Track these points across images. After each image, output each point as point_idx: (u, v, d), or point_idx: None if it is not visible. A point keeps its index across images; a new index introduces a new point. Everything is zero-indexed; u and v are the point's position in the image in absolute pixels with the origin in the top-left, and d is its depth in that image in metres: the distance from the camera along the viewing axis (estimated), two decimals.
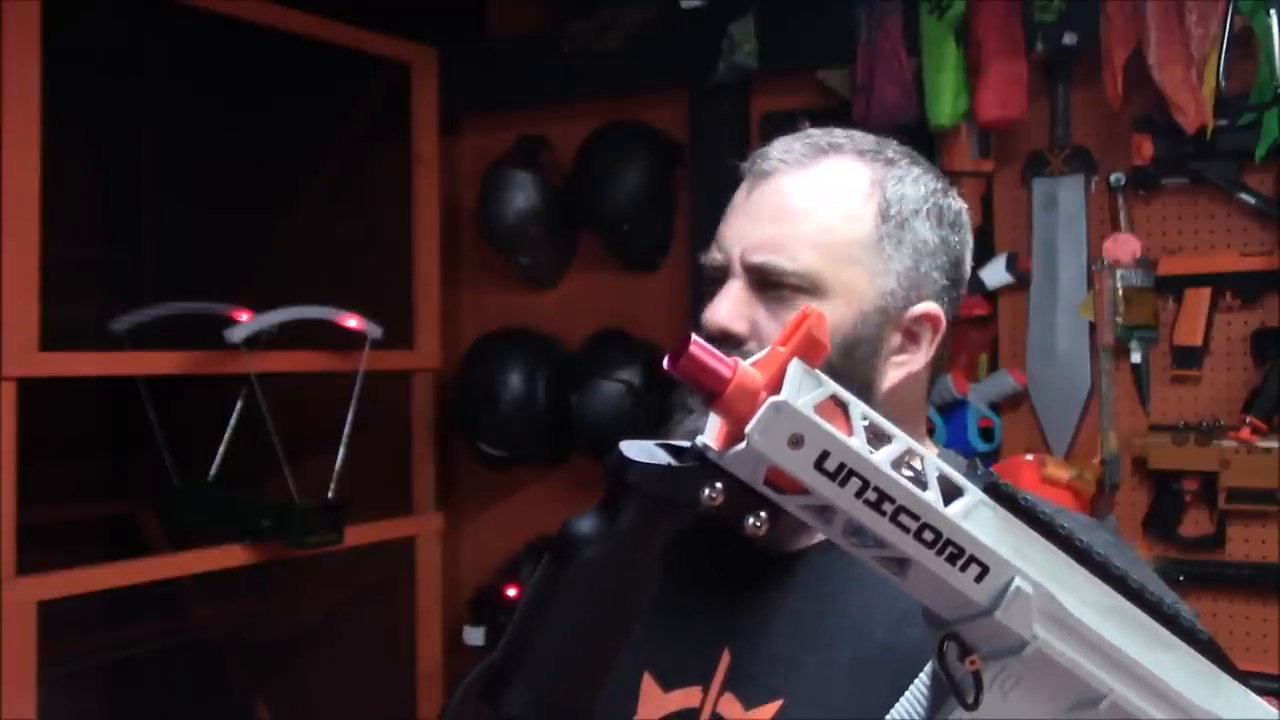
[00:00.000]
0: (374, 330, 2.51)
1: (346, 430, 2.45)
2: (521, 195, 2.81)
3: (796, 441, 0.54)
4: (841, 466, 0.54)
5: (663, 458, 0.59)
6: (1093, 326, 2.29)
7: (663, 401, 3.10)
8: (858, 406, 0.56)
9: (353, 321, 2.48)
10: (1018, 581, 0.56)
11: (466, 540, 3.07)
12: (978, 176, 2.40)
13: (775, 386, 0.55)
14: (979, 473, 0.58)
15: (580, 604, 0.64)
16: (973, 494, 0.57)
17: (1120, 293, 2.24)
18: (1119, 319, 2.25)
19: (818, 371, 0.56)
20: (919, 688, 0.64)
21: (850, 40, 2.42)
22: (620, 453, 0.60)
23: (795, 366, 0.55)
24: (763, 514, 0.58)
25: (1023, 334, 2.38)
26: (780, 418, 0.54)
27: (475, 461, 2.97)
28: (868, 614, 0.91)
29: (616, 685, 0.99)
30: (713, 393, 0.56)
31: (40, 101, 2.09)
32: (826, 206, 0.95)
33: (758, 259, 0.95)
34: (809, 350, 0.56)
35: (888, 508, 0.55)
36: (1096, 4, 2.17)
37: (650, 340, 2.78)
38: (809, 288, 0.94)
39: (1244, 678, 0.62)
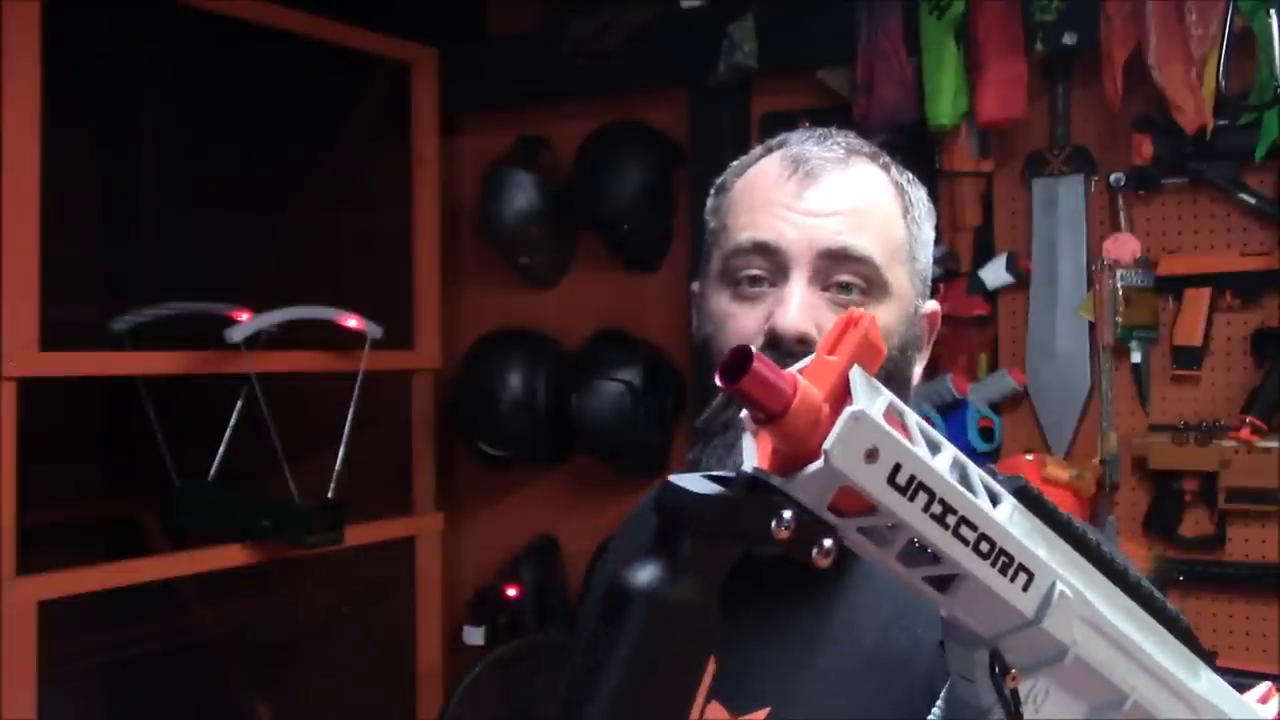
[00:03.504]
0: (374, 330, 2.51)
1: (346, 430, 2.45)
2: (521, 195, 2.81)
3: (872, 455, 0.50)
4: (912, 479, 0.51)
5: (721, 489, 0.54)
6: (1093, 326, 2.29)
7: (662, 402, 3.08)
8: (912, 414, 0.53)
9: (353, 321, 2.48)
10: (1059, 586, 0.54)
11: (466, 540, 3.07)
12: (978, 176, 2.40)
13: (833, 400, 0.52)
14: (999, 476, 0.56)
15: (645, 667, 0.55)
16: (1009, 499, 0.55)
17: (1120, 293, 2.24)
18: (1119, 319, 2.25)
19: (874, 379, 0.53)
20: (935, 713, 0.63)
21: (850, 40, 2.42)
22: (674, 486, 0.54)
23: (858, 374, 0.52)
24: (828, 542, 0.53)
25: (1023, 334, 2.38)
26: (859, 430, 0.50)
27: (475, 461, 2.97)
28: (854, 619, 0.91)
29: None
30: (774, 413, 0.51)
31: (40, 101, 2.09)
32: (876, 209, 0.95)
33: (839, 241, 0.92)
34: (866, 356, 0.52)
35: (951, 520, 0.52)
36: (1096, 4, 2.17)
37: (650, 340, 2.78)
38: (878, 283, 0.93)
39: (1212, 662, 0.62)
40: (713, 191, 1.02)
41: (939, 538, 0.52)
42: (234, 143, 2.78)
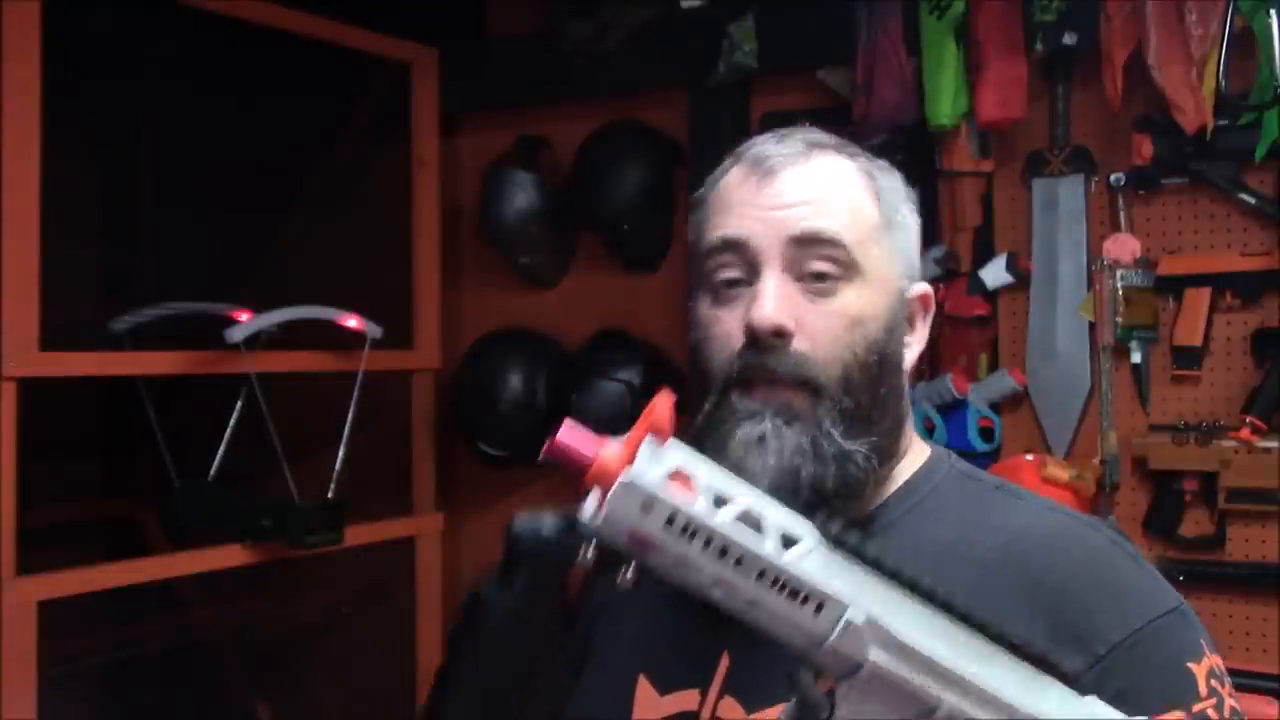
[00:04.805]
0: (374, 330, 2.51)
1: (346, 430, 2.45)
2: (521, 195, 2.81)
3: (647, 508, 0.64)
4: (686, 525, 0.65)
5: (551, 526, 0.73)
6: (1093, 326, 2.29)
7: None
8: (703, 474, 0.66)
9: (353, 321, 2.48)
10: (849, 613, 0.65)
11: (466, 540, 3.06)
12: (978, 176, 2.40)
13: (632, 461, 0.66)
14: (819, 520, 0.67)
15: (490, 659, 0.81)
16: (809, 540, 0.66)
17: (1120, 293, 2.24)
18: (1119, 319, 2.25)
19: (670, 444, 0.66)
20: (790, 709, 0.71)
21: (850, 40, 2.42)
22: (513, 527, 0.74)
23: (645, 445, 0.66)
24: (631, 569, 0.68)
25: (1023, 334, 2.38)
26: (630, 490, 0.65)
27: (475, 461, 2.97)
28: None
29: (611, 688, 0.99)
30: (580, 471, 0.67)
31: (40, 101, 2.09)
32: (841, 194, 0.96)
33: (804, 226, 0.93)
34: (657, 430, 0.66)
35: (730, 557, 0.65)
36: (1096, 4, 2.17)
37: (650, 340, 2.78)
38: (851, 266, 0.93)
39: (1076, 685, 0.70)
40: (692, 208, 1.03)
41: (722, 570, 0.65)
42: (234, 143, 2.78)
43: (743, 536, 0.65)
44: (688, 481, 0.66)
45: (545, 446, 0.67)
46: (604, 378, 2.69)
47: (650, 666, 0.98)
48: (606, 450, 0.67)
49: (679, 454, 0.67)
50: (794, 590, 0.65)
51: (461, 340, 2.97)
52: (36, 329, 2.08)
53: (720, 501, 0.66)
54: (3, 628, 2.03)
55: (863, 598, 0.66)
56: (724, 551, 0.65)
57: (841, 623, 0.65)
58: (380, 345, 2.55)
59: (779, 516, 0.67)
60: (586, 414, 2.68)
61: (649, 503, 0.65)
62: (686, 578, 0.67)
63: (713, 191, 1.00)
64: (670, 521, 0.65)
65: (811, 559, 0.66)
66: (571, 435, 0.68)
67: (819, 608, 0.65)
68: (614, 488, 0.65)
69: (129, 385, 2.42)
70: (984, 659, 0.68)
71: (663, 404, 0.67)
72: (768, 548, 0.65)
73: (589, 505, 0.68)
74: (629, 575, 0.69)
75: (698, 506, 0.65)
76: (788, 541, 0.66)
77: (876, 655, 0.66)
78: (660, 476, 0.65)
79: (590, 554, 0.69)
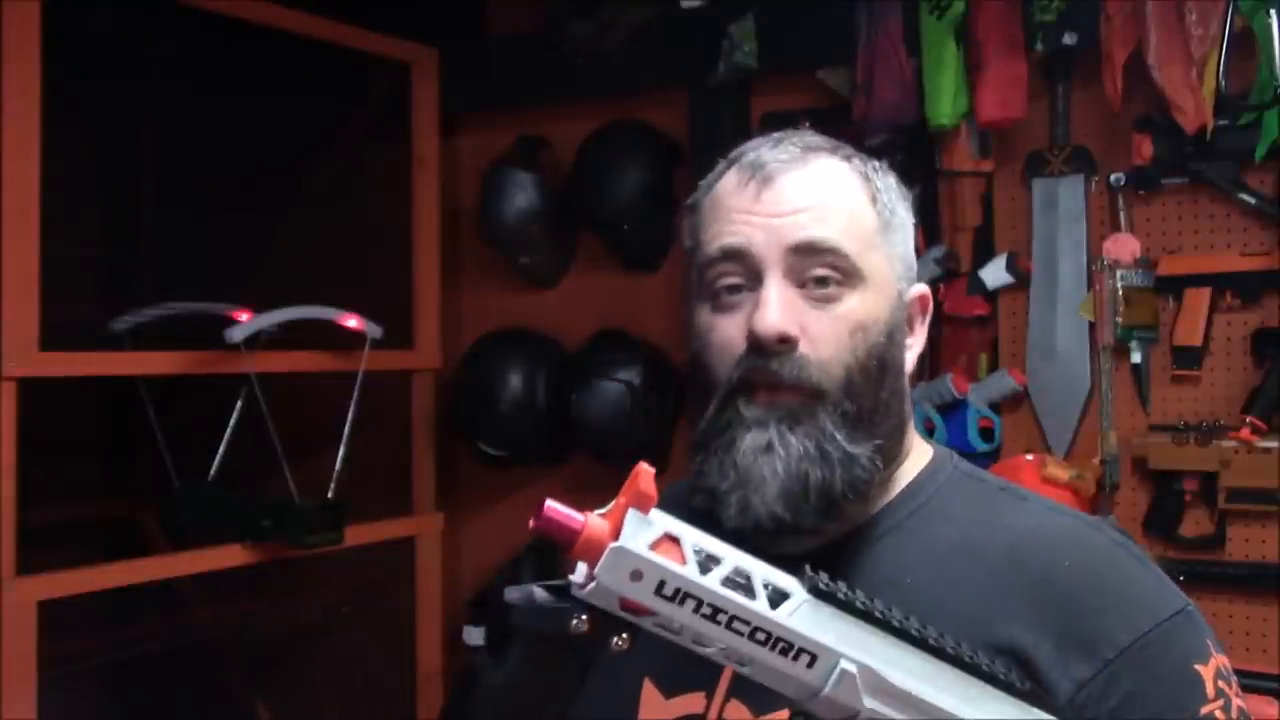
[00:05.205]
0: (374, 330, 2.51)
1: (346, 430, 2.45)
2: (521, 195, 2.81)
3: (636, 576, 0.66)
4: (677, 590, 0.66)
5: (542, 596, 0.74)
6: (1093, 326, 2.29)
7: (662, 402, 3.08)
8: (689, 538, 0.68)
9: (353, 321, 2.48)
10: (842, 664, 0.68)
11: (466, 540, 3.07)
12: (978, 176, 2.40)
13: (618, 533, 0.67)
14: (806, 575, 0.69)
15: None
16: (797, 596, 0.68)
17: (1120, 293, 2.24)
18: (1119, 319, 2.25)
19: (653, 514, 0.68)
20: None
21: (850, 40, 2.42)
22: (505, 600, 0.76)
23: (631, 515, 0.67)
24: (624, 634, 0.71)
25: (1023, 334, 2.38)
26: (620, 559, 0.66)
27: (475, 461, 2.97)
28: None
29: (616, 691, 0.99)
30: (568, 543, 0.68)
31: (40, 101, 2.09)
32: (840, 198, 0.95)
33: (804, 235, 0.92)
34: (640, 501, 0.68)
35: (722, 618, 0.67)
36: (1096, 4, 2.17)
37: (650, 340, 2.78)
38: (852, 272, 0.93)
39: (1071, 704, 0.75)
40: (687, 213, 1.02)
41: (714, 631, 0.67)
42: (234, 143, 2.78)
43: (733, 597, 0.67)
44: (675, 546, 0.67)
45: (532, 521, 0.68)
46: (604, 378, 2.69)
47: (655, 669, 0.98)
48: (593, 521, 0.68)
49: (664, 521, 0.68)
50: (787, 645, 0.67)
51: (461, 340, 2.97)
52: (36, 329, 2.08)
53: (708, 564, 0.67)
54: (3, 628, 2.03)
55: (854, 647, 0.68)
56: (716, 613, 0.67)
57: (835, 673, 0.68)
58: (380, 345, 2.55)
59: (766, 574, 0.69)
60: (586, 414, 2.68)
61: (638, 571, 0.66)
62: (681, 638, 0.68)
63: (708, 197, 0.99)
64: (661, 587, 0.66)
65: (801, 613, 0.68)
66: (558, 510, 0.69)
67: (812, 660, 0.67)
68: (603, 558, 0.66)
69: (129, 385, 2.42)
70: (975, 699, 0.70)
71: (645, 474, 0.69)
72: (758, 606, 0.67)
73: (579, 575, 0.70)
74: (622, 640, 0.71)
75: (687, 571, 0.67)
76: (777, 598, 0.68)
77: (871, 702, 0.68)
78: (647, 545, 0.67)
79: (583, 621, 0.70)
